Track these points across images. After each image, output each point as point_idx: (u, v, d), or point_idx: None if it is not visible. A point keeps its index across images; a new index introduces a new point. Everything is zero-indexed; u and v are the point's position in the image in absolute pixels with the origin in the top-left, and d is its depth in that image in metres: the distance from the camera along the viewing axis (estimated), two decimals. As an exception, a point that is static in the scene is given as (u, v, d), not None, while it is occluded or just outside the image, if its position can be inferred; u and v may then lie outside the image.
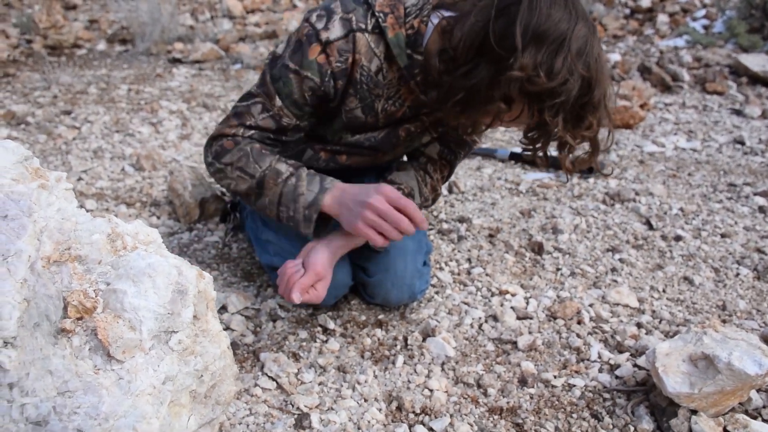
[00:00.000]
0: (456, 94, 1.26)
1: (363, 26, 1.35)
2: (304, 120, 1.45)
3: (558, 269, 1.84)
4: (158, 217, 2.16)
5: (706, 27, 4.80)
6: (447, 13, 1.33)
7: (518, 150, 2.73)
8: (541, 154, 1.32)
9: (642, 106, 3.45)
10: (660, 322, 1.60)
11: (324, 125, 1.51)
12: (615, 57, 4.21)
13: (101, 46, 4.81)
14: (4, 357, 0.85)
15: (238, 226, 2.04)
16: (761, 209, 2.24)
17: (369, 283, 1.59)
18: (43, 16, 4.69)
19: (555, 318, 1.61)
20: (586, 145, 1.33)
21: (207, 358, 1.02)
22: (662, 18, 5.01)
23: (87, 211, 2.13)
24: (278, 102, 1.40)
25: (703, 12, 5.01)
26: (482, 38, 1.20)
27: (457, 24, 1.26)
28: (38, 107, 3.31)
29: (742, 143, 2.95)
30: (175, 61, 4.41)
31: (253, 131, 1.44)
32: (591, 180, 2.52)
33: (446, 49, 1.27)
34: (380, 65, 1.38)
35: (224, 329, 1.55)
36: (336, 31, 1.34)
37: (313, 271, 1.41)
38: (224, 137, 1.46)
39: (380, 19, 1.35)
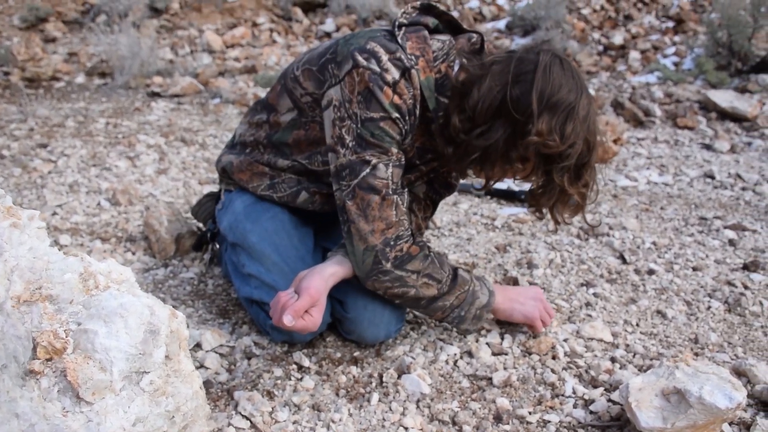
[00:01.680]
0: (473, 153, 1.36)
1: (411, 64, 1.39)
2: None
3: (533, 304, 1.85)
4: (133, 253, 2.14)
5: (676, 64, 4.94)
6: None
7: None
8: (543, 208, 1.51)
9: (615, 141, 3.51)
10: (634, 356, 1.62)
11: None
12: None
13: (80, 79, 4.82)
14: (-30, 401, 0.84)
15: (215, 257, 2.03)
16: (731, 242, 2.29)
17: (346, 319, 1.59)
18: (22, 49, 4.69)
19: (530, 353, 1.62)
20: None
21: (179, 398, 1.01)
22: (634, 55, 5.15)
23: (61, 246, 2.12)
24: (394, 149, 1.41)
25: (673, 49, 5.15)
26: (499, 102, 1.31)
27: (474, 84, 1.35)
28: (14, 140, 3.29)
29: (712, 177, 3.02)
30: (154, 95, 4.42)
31: (401, 190, 1.45)
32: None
33: (464, 109, 1.36)
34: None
35: (198, 367, 1.54)
36: (393, 70, 1.37)
37: (308, 294, 1.40)
38: (400, 240, 1.44)
39: (412, 62, 1.39)
